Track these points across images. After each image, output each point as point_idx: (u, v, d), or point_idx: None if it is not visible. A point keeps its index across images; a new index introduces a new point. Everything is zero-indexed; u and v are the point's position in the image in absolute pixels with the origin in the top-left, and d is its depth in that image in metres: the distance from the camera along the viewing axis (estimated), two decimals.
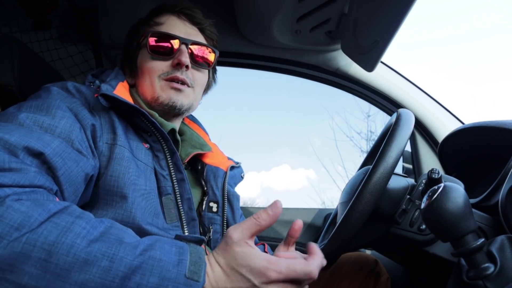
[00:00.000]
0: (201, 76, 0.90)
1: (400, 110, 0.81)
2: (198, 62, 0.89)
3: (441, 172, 0.78)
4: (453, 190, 0.58)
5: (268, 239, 1.59)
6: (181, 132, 0.96)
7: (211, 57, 0.92)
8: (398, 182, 0.84)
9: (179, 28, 0.88)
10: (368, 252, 1.34)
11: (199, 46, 0.89)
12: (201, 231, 0.86)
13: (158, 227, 0.70)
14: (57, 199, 0.55)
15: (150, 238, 0.53)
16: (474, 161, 0.98)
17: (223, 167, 0.95)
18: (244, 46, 1.41)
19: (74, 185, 0.61)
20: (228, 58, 1.45)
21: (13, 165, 0.52)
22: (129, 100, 0.76)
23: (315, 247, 0.63)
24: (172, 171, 0.76)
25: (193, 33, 0.90)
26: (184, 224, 0.76)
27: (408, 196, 0.81)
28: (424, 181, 0.81)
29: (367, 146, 6.63)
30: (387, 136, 0.73)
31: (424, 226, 0.76)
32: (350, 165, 6.84)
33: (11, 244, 0.44)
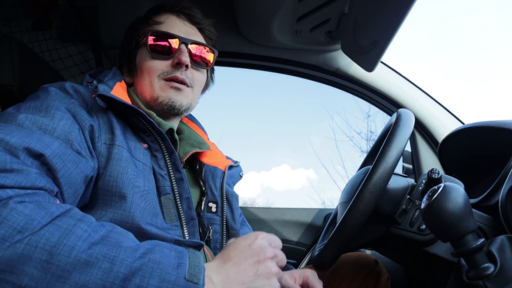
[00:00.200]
0: (200, 76, 0.90)
1: (400, 110, 0.81)
2: (197, 62, 0.89)
3: (441, 172, 0.78)
4: (453, 190, 0.58)
5: None
6: (179, 131, 0.96)
7: (210, 57, 0.92)
8: (398, 182, 0.84)
9: (178, 27, 0.87)
10: (368, 252, 1.34)
11: (198, 46, 0.88)
12: (200, 231, 0.86)
13: (157, 226, 0.70)
14: (57, 201, 0.55)
15: (150, 243, 0.54)
16: (474, 161, 0.98)
17: (221, 166, 0.95)
18: (244, 46, 1.41)
19: (74, 186, 0.61)
20: (228, 58, 1.45)
21: (14, 166, 0.52)
22: (127, 100, 0.76)
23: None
24: (170, 170, 0.76)
25: (192, 32, 0.90)
26: (184, 223, 0.76)
27: (408, 196, 0.81)
28: (424, 181, 0.81)
29: (367, 146, 6.64)
30: (387, 136, 0.73)
31: (424, 226, 0.76)
32: (350, 165, 6.85)
33: (13, 245, 0.44)
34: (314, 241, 1.56)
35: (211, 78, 1.02)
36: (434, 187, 0.60)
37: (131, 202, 0.66)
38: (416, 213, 0.78)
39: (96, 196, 0.67)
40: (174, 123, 0.92)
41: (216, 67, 1.04)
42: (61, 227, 0.48)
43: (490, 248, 0.60)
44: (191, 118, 1.07)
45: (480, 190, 0.82)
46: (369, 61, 1.17)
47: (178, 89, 0.84)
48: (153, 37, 0.84)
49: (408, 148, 1.45)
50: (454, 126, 1.31)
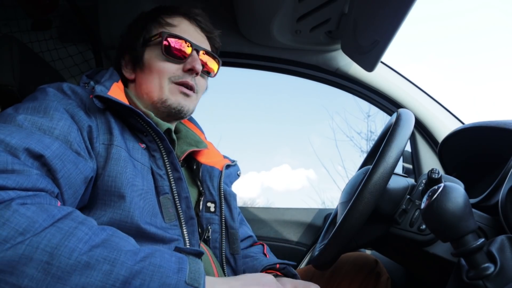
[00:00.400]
0: (204, 83, 0.93)
1: (400, 110, 0.81)
2: (205, 70, 0.91)
3: (441, 172, 0.78)
4: (453, 190, 0.58)
5: (268, 239, 1.59)
6: (176, 130, 0.97)
7: (216, 66, 0.95)
8: (398, 182, 0.84)
9: (191, 34, 0.89)
10: (368, 252, 1.34)
11: (207, 55, 0.91)
12: (199, 231, 0.86)
13: (156, 226, 0.70)
14: (58, 203, 0.55)
15: (150, 248, 0.54)
16: (474, 161, 0.98)
17: (218, 166, 0.95)
18: (244, 46, 1.41)
19: (74, 187, 0.61)
20: (228, 58, 1.45)
21: (15, 167, 0.52)
22: (124, 100, 0.76)
23: None
24: (169, 170, 0.76)
25: (202, 40, 0.92)
26: (183, 223, 0.76)
27: (408, 196, 0.81)
28: (424, 181, 0.81)
29: (367, 146, 6.63)
30: (387, 136, 0.73)
31: (424, 226, 0.76)
32: (350, 165, 6.85)
33: (14, 247, 0.44)
34: (314, 241, 1.56)
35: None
36: (434, 187, 0.60)
37: (130, 201, 0.66)
38: (416, 213, 0.78)
39: (95, 196, 0.67)
40: (172, 123, 0.92)
41: None
42: (63, 229, 0.48)
43: (490, 248, 0.60)
44: (189, 118, 1.07)
45: (480, 190, 0.82)
46: (369, 61, 1.17)
47: (187, 94, 0.86)
48: (169, 40, 0.84)
49: (408, 148, 1.45)
50: (454, 126, 1.31)
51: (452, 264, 0.72)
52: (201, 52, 0.88)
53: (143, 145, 0.76)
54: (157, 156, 0.76)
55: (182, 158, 0.90)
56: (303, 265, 1.49)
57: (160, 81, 0.84)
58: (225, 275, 0.85)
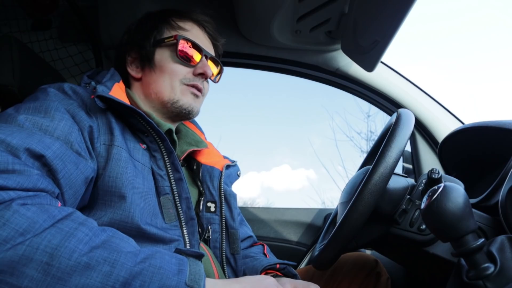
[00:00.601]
0: (208, 87, 0.96)
1: (400, 110, 0.81)
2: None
3: (441, 172, 0.78)
4: (453, 190, 0.58)
5: (268, 239, 1.59)
6: (176, 131, 0.97)
7: (217, 71, 0.98)
8: (398, 182, 0.84)
9: (201, 40, 0.92)
10: (368, 252, 1.34)
11: (214, 61, 0.95)
12: (200, 231, 0.86)
13: (157, 226, 0.70)
14: (59, 203, 0.55)
15: (150, 249, 0.54)
16: (474, 161, 0.98)
17: (218, 166, 0.95)
18: (244, 46, 1.41)
19: (74, 187, 0.61)
20: (228, 58, 1.45)
21: (16, 167, 0.52)
22: (125, 101, 0.76)
23: None
24: (169, 170, 0.76)
25: (210, 47, 0.96)
26: (183, 223, 0.76)
27: (408, 196, 0.81)
28: (424, 181, 0.81)
29: (367, 146, 6.64)
30: (387, 136, 0.73)
31: (424, 226, 0.76)
32: (350, 165, 6.85)
33: (14, 247, 0.44)
34: (314, 241, 1.56)
35: None
36: (434, 187, 0.60)
37: (130, 202, 0.66)
38: (416, 213, 0.78)
39: (96, 196, 0.67)
40: (174, 124, 0.92)
41: None
42: (63, 230, 0.48)
43: (490, 248, 0.60)
44: None
45: (480, 190, 0.82)
46: (369, 61, 1.17)
47: (196, 96, 0.89)
48: (184, 44, 0.87)
49: (408, 148, 1.45)
50: (454, 126, 1.31)
51: (452, 264, 0.72)
52: (209, 58, 0.92)
53: (144, 146, 0.76)
54: (158, 156, 0.76)
55: (182, 157, 0.91)
56: (303, 265, 1.49)
57: (172, 82, 0.86)
58: (225, 275, 0.86)
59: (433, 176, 0.75)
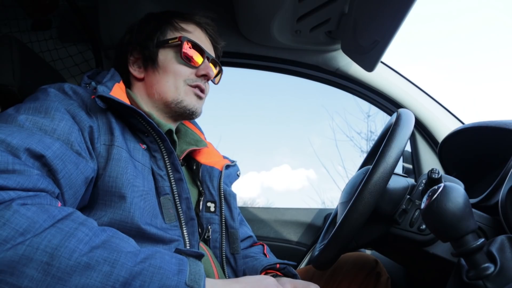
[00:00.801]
0: (208, 88, 0.96)
1: (400, 110, 0.81)
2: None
3: (441, 172, 0.78)
4: (453, 190, 0.58)
5: (268, 239, 1.59)
6: (176, 130, 0.97)
7: (218, 73, 1.00)
8: (398, 182, 0.84)
9: (203, 41, 0.94)
10: (368, 252, 1.34)
11: (214, 63, 0.96)
12: (200, 231, 0.86)
13: (156, 227, 0.70)
14: (59, 203, 0.55)
15: (150, 249, 0.54)
16: (474, 161, 0.98)
17: (218, 166, 0.95)
18: (244, 46, 1.41)
19: (74, 187, 0.61)
20: (228, 58, 1.45)
21: (16, 167, 0.52)
22: (126, 101, 0.76)
23: None
24: (169, 171, 0.76)
25: (211, 49, 0.97)
26: (183, 223, 0.76)
27: (408, 196, 0.81)
28: (424, 181, 0.81)
29: (367, 146, 6.64)
30: (387, 136, 0.73)
31: (424, 226, 0.76)
32: (350, 165, 6.85)
33: (14, 247, 0.44)
34: (314, 241, 1.56)
35: None
36: (434, 187, 0.60)
37: (130, 202, 0.66)
38: (416, 213, 0.78)
39: (96, 196, 0.67)
40: (174, 124, 0.92)
41: None
42: (63, 230, 0.48)
43: (490, 248, 0.60)
44: None
45: (480, 190, 0.82)
46: (369, 61, 1.17)
47: (200, 97, 0.90)
48: (188, 45, 0.88)
49: (408, 148, 1.45)
50: (454, 126, 1.31)
51: (452, 264, 0.72)
52: (210, 59, 0.93)
53: (144, 146, 0.76)
54: (158, 156, 0.76)
55: (182, 157, 0.91)
56: (303, 265, 1.49)
57: (176, 83, 0.87)
58: (225, 275, 0.86)
59: (433, 176, 0.75)
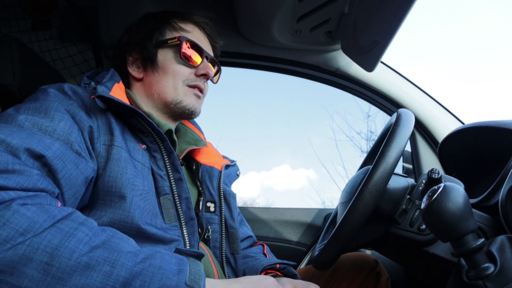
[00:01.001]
0: (207, 87, 0.96)
1: (400, 110, 0.81)
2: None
3: (441, 172, 0.78)
4: (453, 190, 0.58)
5: (268, 239, 1.59)
6: (175, 130, 0.97)
7: (217, 72, 1.00)
8: (398, 182, 0.84)
9: (202, 41, 0.93)
10: (368, 252, 1.34)
11: (213, 62, 0.96)
12: (199, 231, 0.86)
13: (156, 227, 0.70)
14: (59, 203, 0.55)
15: (151, 249, 0.54)
16: (474, 161, 0.98)
17: (218, 166, 0.95)
18: (244, 46, 1.41)
19: (74, 187, 0.61)
20: (228, 58, 1.45)
21: (16, 167, 0.52)
22: (125, 101, 0.76)
23: None
24: (169, 171, 0.76)
25: (209, 48, 0.97)
26: (183, 223, 0.76)
27: (408, 196, 0.81)
28: (424, 181, 0.81)
29: (367, 146, 6.64)
30: (387, 136, 0.73)
31: (424, 226, 0.76)
32: (350, 165, 6.85)
33: (14, 247, 0.44)
34: (314, 241, 1.56)
35: None
36: (434, 187, 0.60)
37: (130, 202, 0.66)
38: (416, 213, 0.78)
39: (96, 196, 0.67)
40: (173, 124, 0.92)
41: None
42: (63, 230, 0.48)
43: (490, 248, 0.60)
44: None
45: (480, 190, 0.82)
46: (369, 61, 1.17)
47: (199, 96, 0.90)
48: (188, 45, 0.88)
49: (408, 148, 1.45)
50: (454, 126, 1.31)
51: (452, 264, 0.72)
52: (209, 59, 0.93)
53: (144, 146, 0.76)
54: (158, 156, 0.76)
55: (182, 156, 0.91)
56: (303, 265, 1.49)
57: (175, 83, 0.87)
58: (225, 275, 0.86)
59: (433, 176, 0.75)
